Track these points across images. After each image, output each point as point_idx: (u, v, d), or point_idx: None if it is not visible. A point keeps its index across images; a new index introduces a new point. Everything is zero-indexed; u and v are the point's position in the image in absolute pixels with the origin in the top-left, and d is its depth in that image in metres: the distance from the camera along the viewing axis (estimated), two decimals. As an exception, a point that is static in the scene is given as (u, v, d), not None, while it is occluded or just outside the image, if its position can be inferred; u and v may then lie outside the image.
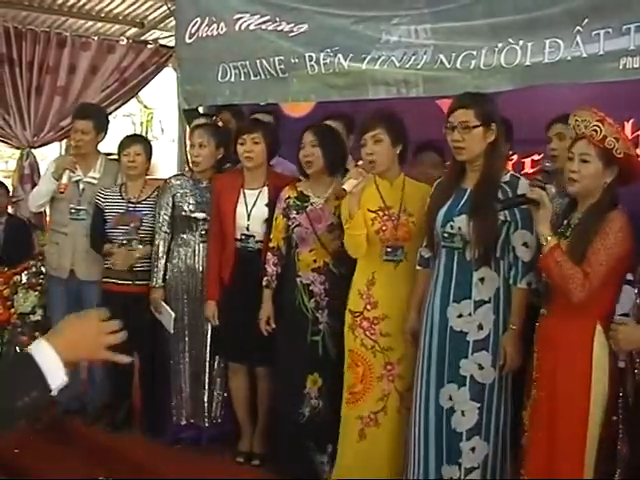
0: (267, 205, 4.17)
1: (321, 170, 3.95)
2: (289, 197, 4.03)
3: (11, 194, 6.26)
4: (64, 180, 4.68)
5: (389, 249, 3.65)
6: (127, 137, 4.93)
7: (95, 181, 4.84)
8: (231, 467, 4.25)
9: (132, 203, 4.67)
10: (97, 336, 1.73)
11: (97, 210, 4.71)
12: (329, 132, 4.07)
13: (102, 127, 4.97)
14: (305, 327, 3.94)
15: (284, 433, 4.10)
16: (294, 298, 3.97)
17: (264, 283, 4.06)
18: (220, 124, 4.76)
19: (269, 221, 4.13)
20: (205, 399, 4.44)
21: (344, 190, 3.60)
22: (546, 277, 3.04)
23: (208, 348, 4.39)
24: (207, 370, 4.41)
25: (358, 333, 3.71)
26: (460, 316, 3.31)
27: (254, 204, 4.18)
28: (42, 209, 4.97)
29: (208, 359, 4.41)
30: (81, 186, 4.81)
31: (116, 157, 4.87)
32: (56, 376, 1.60)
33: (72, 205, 4.79)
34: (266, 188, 4.20)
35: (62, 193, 4.71)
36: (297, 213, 3.98)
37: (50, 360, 1.60)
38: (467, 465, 3.32)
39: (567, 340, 2.99)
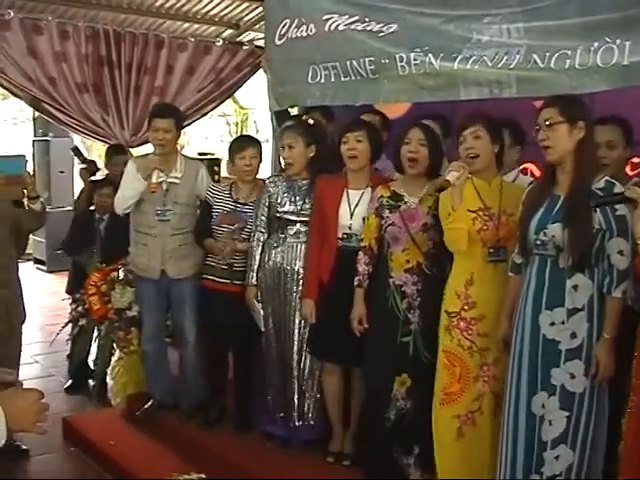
0: None
1: (423, 170, 3.91)
2: (382, 196, 4.00)
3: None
4: (154, 180, 4.64)
5: (492, 249, 3.62)
6: (240, 139, 4.95)
7: (177, 181, 4.82)
8: (321, 467, 4.26)
9: (240, 203, 4.68)
10: (34, 415, 1.90)
11: (206, 205, 4.74)
12: (434, 133, 4.03)
13: (181, 125, 4.99)
14: (396, 328, 3.91)
15: (370, 436, 4.10)
16: (386, 299, 3.94)
17: (355, 283, 4.05)
18: (311, 122, 4.73)
19: None
20: (295, 398, 4.43)
21: (447, 181, 3.54)
22: None
23: (295, 348, 4.39)
24: (295, 369, 4.41)
25: (455, 334, 3.67)
26: (553, 324, 3.23)
27: (357, 204, 4.17)
28: (128, 211, 4.92)
29: (296, 359, 4.40)
30: (164, 186, 4.77)
31: (209, 157, 4.90)
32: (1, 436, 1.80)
33: (158, 206, 4.78)
34: (370, 189, 4.17)
35: (154, 193, 4.68)
36: (390, 212, 3.95)
37: (1, 426, 1.81)
38: (549, 473, 3.24)
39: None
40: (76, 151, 6.61)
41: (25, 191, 4.48)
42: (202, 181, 4.91)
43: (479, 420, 3.66)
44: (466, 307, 3.64)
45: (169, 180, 4.80)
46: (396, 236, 3.92)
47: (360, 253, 4.05)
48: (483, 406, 3.65)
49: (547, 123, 3.20)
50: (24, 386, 2.13)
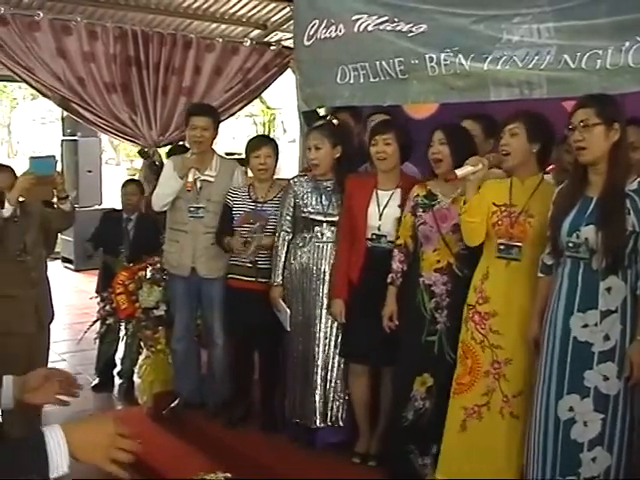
0: (400, 206, 4.15)
1: (450, 169, 3.88)
2: (418, 195, 4.02)
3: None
4: (190, 178, 4.70)
5: (502, 246, 3.60)
6: (255, 138, 4.96)
7: (212, 179, 4.85)
8: (347, 468, 4.27)
9: (259, 203, 4.72)
10: (108, 448, 1.72)
11: (225, 207, 4.76)
12: (459, 131, 4.03)
13: (218, 125, 5.01)
14: (421, 327, 3.92)
15: (388, 435, 4.14)
16: (414, 297, 3.95)
17: (389, 280, 4.06)
18: (335, 122, 4.72)
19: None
20: (316, 400, 4.42)
21: (455, 175, 3.56)
22: None
23: (321, 349, 4.38)
24: (320, 371, 4.40)
25: (470, 326, 3.71)
26: (585, 326, 3.20)
27: (386, 204, 4.18)
28: (165, 208, 4.98)
29: (322, 360, 4.40)
30: (198, 184, 4.81)
31: (236, 157, 4.88)
32: (59, 466, 1.62)
33: (191, 204, 4.82)
34: (399, 189, 4.18)
35: (189, 191, 4.74)
36: (424, 211, 3.96)
37: (60, 451, 1.63)
38: (587, 475, 3.22)
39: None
40: (143, 153, 6.66)
41: (55, 191, 4.51)
42: (237, 181, 4.93)
43: (485, 415, 3.67)
44: (480, 301, 3.67)
45: (203, 178, 4.84)
46: (428, 235, 3.94)
47: (395, 251, 4.07)
48: (491, 402, 3.65)
49: (583, 124, 3.15)
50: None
